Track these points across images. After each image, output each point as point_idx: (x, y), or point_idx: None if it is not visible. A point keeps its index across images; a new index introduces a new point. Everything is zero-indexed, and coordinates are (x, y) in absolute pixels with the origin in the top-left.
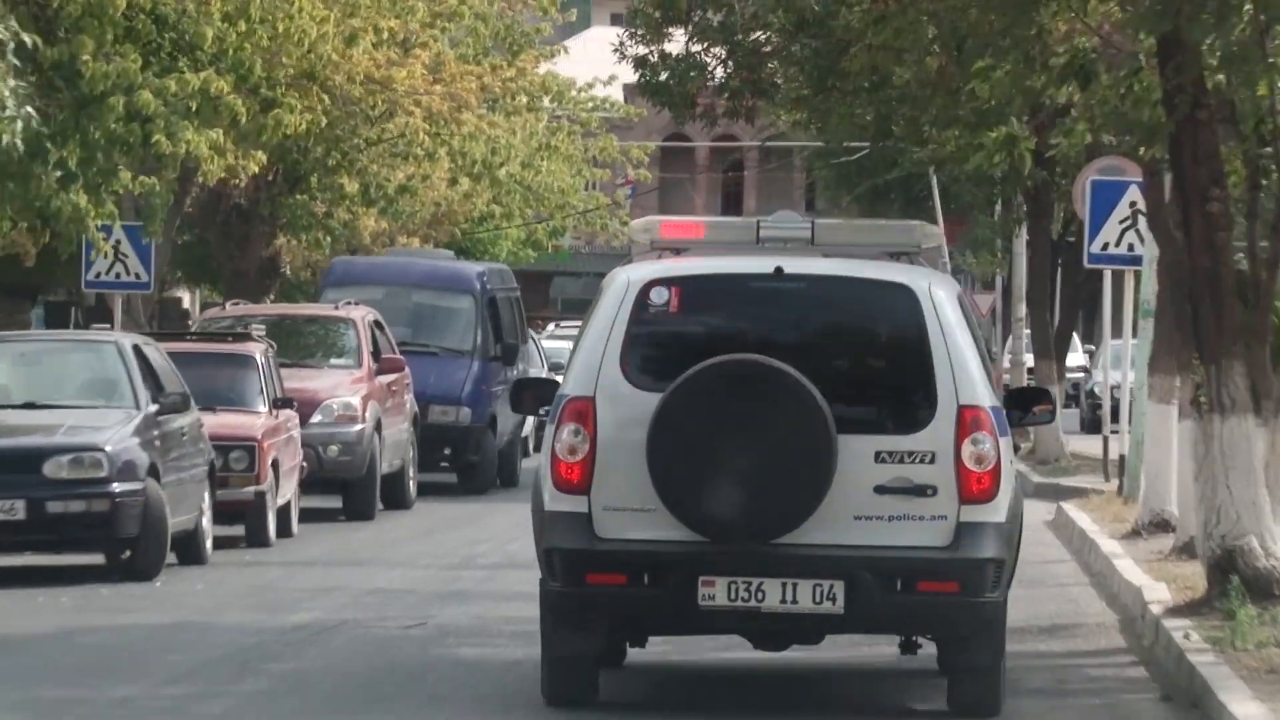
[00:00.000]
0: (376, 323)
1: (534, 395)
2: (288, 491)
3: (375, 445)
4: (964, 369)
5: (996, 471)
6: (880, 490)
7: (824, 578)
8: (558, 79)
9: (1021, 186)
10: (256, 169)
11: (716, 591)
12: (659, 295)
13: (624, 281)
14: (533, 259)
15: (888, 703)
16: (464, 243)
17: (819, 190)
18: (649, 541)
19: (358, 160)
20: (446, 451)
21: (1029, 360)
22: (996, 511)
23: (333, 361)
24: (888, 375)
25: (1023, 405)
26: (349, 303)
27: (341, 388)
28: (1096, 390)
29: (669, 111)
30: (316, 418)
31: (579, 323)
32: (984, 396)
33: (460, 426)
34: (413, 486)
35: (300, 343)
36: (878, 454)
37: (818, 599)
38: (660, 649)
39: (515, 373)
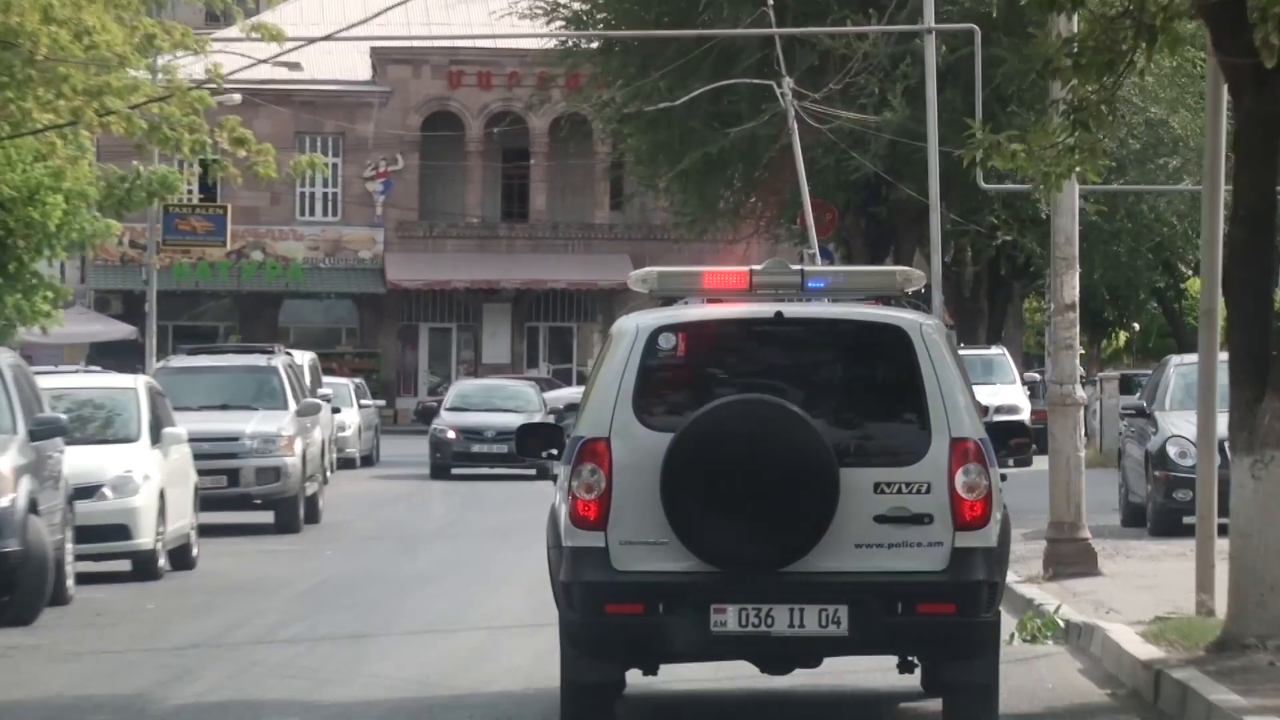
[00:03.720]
0: None
1: (539, 440)
2: None
3: None
4: (954, 403)
5: (988, 499)
6: (880, 519)
7: (829, 602)
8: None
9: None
10: None
11: (728, 618)
12: (667, 340)
13: (633, 328)
14: (114, 234)
15: None
16: None
17: (630, 168)
18: (664, 572)
19: None
20: None
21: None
22: (988, 537)
23: None
24: (884, 411)
25: (999, 440)
26: None
27: None
28: (1173, 451)
29: None
30: None
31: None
32: (973, 429)
33: None
34: None
35: None
36: (876, 485)
37: (823, 622)
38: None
39: None
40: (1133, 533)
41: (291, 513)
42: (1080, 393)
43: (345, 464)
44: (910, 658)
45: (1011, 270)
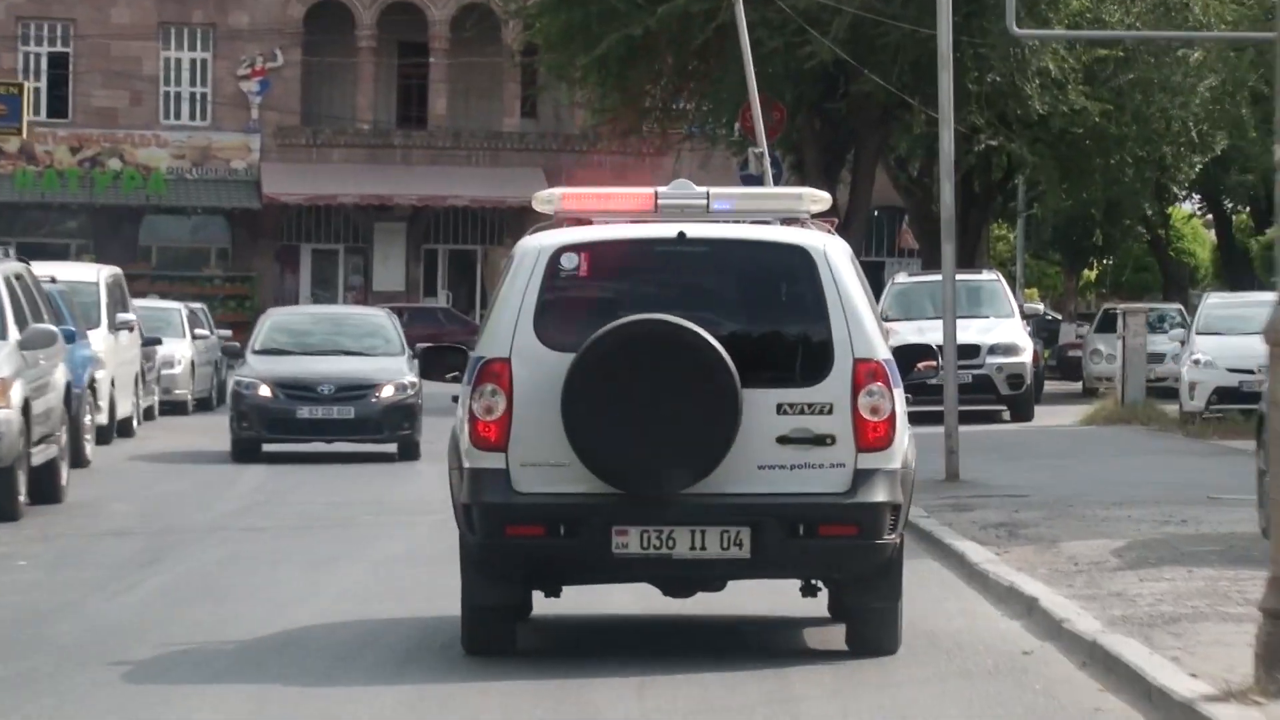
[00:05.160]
0: None
1: (442, 362)
2: None
3: None
4: (858, 324)
5: (891, 421)
6: (782, 440)
7: (731, 525)
8: None
9: None
10: None
11: (630, 540)
12: (569, 261)
13: (535, 248)
14: None
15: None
16: None
17: (541, 55)
18: (565, 494)
19: None
20: None
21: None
22: (891, 459)
23: None
24: (787, 331)
25: (905, 363)
26: None
27: None
28: None
29: None
30: None
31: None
32: (878, 350)
33: None
34: None
35: None
36: (779, 406)
37: (725, 545)
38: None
39: None
40: None
41: (5, 491)
42: None
43: (174, 409)
44: (813, 581)
45: (985, 187)
